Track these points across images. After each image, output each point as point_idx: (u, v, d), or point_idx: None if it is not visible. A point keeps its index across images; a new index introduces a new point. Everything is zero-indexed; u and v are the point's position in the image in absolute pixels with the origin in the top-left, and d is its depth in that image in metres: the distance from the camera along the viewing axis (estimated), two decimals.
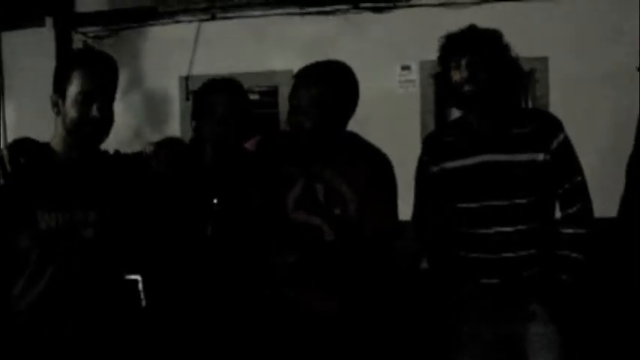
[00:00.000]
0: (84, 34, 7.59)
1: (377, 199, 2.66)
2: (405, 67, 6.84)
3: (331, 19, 7.03)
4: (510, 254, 2.67)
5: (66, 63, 2.45)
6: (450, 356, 2.79)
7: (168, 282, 2.61)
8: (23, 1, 7.34)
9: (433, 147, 2.87)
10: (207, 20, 7.38)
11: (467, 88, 2.63)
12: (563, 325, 2.68)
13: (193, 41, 7.28)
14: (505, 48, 2.71)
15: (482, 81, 2.62)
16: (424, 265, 3.01)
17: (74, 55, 2.60)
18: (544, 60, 6.21)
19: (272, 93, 6.96)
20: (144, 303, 2.72)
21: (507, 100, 2.73)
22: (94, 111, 2.35)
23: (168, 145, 2.66)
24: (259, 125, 2.85)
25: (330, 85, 2.65)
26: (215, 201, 2.59)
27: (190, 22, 7.42)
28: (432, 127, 6.87)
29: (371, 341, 2.68)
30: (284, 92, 5.76)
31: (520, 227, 2.66)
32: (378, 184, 2.69)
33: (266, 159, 2.76)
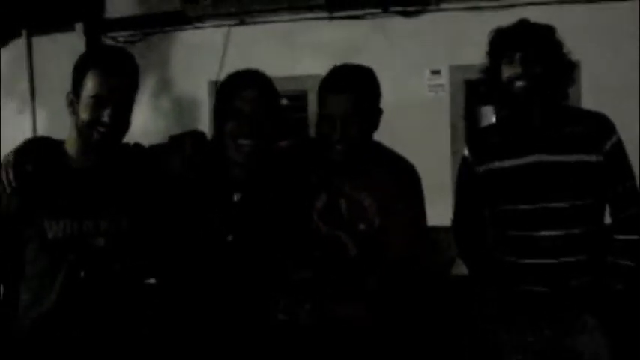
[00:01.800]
0: (114, 38, 7.64)
1: (402, 213, 2.54)
2: (435, 72, 6.79)
3: (360, 24, 7.01)
4: (559, 260, 2.55)
5: (82, 62, 2.34)
6: None
7: (182, 288, 2.50)
8: (54, 6, 7.40)
9: (479, 146, 2.75)
10: (236, 25, 7.40)
11: (519, 83, 2.52)
12: (615, 336, 2.56)
13: (222, 46, 7.29)
14: (558, 44, 2.61)
15: (536, 77, 2.51)
16: (457, 270, 2.96)
17: (90, 54, 2.45)
18: (576, 65, 6.13)
19: (301, 97, 6.96)
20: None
21: (559, 98, 2.62)
22: (105, 116, 2.25)
23: (193, 136, 2.57)
24: (289, 130, 2.79)
25: (362, 93, 2.55)
26: (236, 198, 2.47)
27: (219, 26, 7.44)
28: (461, 131, 6.84)
29: (403, 352, 2.61)
30: (313, 97, 5.74)
31: (570, 231, 2.54)
32: (402, 197, 2.56)
33: (294, 165, 2.68)
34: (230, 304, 2.45)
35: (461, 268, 3.46)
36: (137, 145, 2.52)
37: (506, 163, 2.62)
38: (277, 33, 7.18)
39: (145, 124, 6.69)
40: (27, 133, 7.23)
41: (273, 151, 2.57)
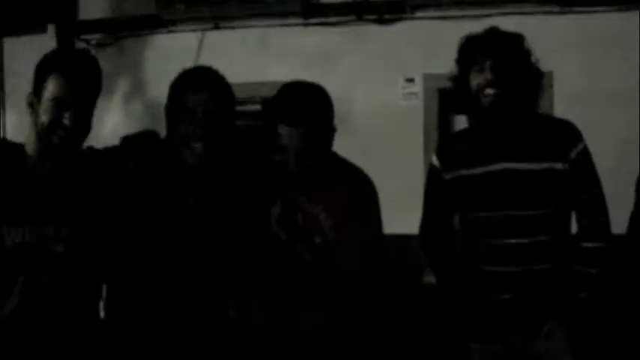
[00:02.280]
0: (86, 41, 7.57)
1: (356, 228, 2.49)
2: (409, 80, 6.81)
3: (334, 31, 7.01)
4: (525, 267, 2.56)
5: (44, 64, 2.28)
6: None
7: (136, 292, 2.44)
8: (25, 7, 7.33)
9: (447, 153, 2.75)
10: (210, 30, 7.37)
11: (489, 91, 2.53)
12: (579, 344, 2.59)
13: (196, 50, 7.26)
14: (527, 52, 2.63)
15: (505, 85, 2.52)
16: (428, 278, 2.96)
17: (53, 56, 2.35)
18: (548, 75, 6.16)
19: None
20: (102, 315, 2.54)
21: (527, 105, 2.64)
22: (66, 119, 2.20)
23: (146, 136, 2.52)
24: (261, 136, 2.75)
25: (316, 125, 2.45)
26: (190, 201, 2.42)
27: (194, 31, 7.40)
28: (434, 139, 6.84)
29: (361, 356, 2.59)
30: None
31: (536, 239, 2.56)
32: (356, 209, 2.51)
33: (250, 171, 2.63)
34: (186, 308, 2.42)
35: (432, 277, 3.48)
36: (90, 149, 2.46)
37: (474, 171, 2.63)
38: (252, 38, 7.16)
39: (117, 128, 6.62)
40: None
41: (227, 154, 2.52)
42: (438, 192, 2.75)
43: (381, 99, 6.65)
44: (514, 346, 2.60)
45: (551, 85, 6.18)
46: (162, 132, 2.53)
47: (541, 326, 2.58)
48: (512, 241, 2.57)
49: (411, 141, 6.63)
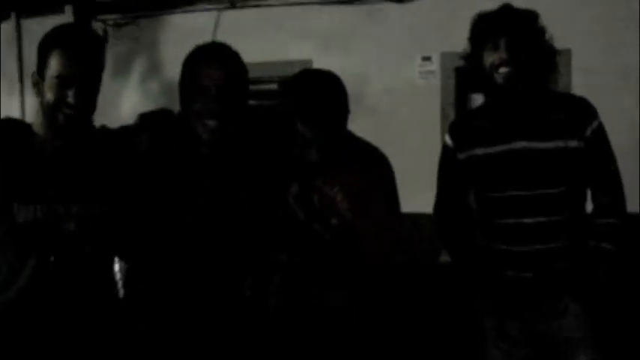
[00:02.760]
0: (103, 21, 7.58)
1: (374, 209, 2.54)
2: (426, 58, 6.76)
3: (351, 9, 6.96)
4: (541, 246, 2.56)
5: (46, 41, 2.28)
6: (476, 353, 2.70)
7: (151, 272, 2.46)
8: None
9: (460, 133, 2.74)
10: (226, 9, 7.34)
11: (504, 70, 2.51)
12: (596, 320, 2.58)
13: (212, 30, 7.24)
14: (541, 29, 2.60)
15: (520, 63, 2.50)
16: (444, 257, 2.96)
17: (55, 33, 2.34)
18: (567, 52, 6.13)
19: None
20: (121, 293, 2.57)
21: (541, 84, 2.61)
22: (70, 96, 2.20)
23: (162, 113, 2.52)
24: (277, 115, 2.75)
25: (334, 119, 2.55)
26: (207, 182, 2.42)
27: (210, 10, 7.38)
28: (451, 118, 6.78)
29: (380, 336, 2.60)
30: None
31: (551, 218, 2.55)
32: (373, 190, 2.57)
33: (267, 152, 2.63)
34: (203, 287, 2.42)
35: (447, 257, 3.46)
36: (104, 127, 2.47)
37: (487, 150, 2.61)
38: (268, 18, 7.13)
39: (134, 108, 6.64)
40: (15, 114, 7.17)
41: (242, 132, 2.51)
42: (451, 171, 2.74)
43: (398, 78, 6.61)
44: (530, 324, 2.60)
45: (569, 63, 6.12)
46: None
47: (557, 304, 2.57)
48: (528, 220, 2.56)
49: (428, 119, 6.60)
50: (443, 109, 6.74)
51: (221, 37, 7.18)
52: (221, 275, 2.43)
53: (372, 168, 2.59)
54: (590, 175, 2.60)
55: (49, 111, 2.23)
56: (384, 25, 6.82)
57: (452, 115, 6.78)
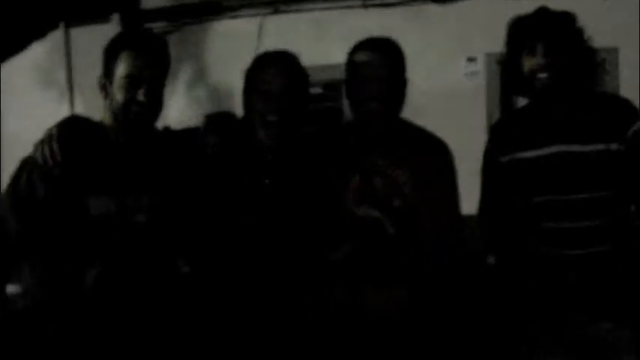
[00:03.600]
0: (150, 29, 7.68)
1: (437, 190, 2.55)
2: (471, 59, 6.73)
3: (394, 12, 6.96)
4: (584, 250, 2.52)
5: (114, 44, 2.37)
6: (519, 356, 2.67)
7: (214, 269, 2.50)
8: None
9: (502, 136, 2.71)
10: (270, 14, 7.39)
11: (542, 75, 2.47)
12: (638, 324, 2.52)
13: (257, 35, 7.30)
14: (579, 32, 2.55)
15: (558, 68, 2.46)
16: (490, 260, 2.93)
17: (122, 36, 2.48)
18: (614, 52, 6.04)
19: (335, 86, 6.94)
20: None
21: (581, 86, 2.56)
22: (140, 95, 2.27)
23: (221, 119, 2.57)
24: (323, 119, 2.78)
25: (396, 59, 2.65)
26: (267, 181, 2.47)
27: (253, 16, 7.43)
28: (497, 118, 6.78)
29: (438, 341, 2.58)
30: None
31: (593, 222, 2.51)
32: (437, 174, 2.57)
33: (323, 149, 2.65)
34: (262, 288, 2.45)
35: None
36: (167, 129, 2.53)
37: (529, 154, 2.57)
38: (311, 22, 7.16)
39: (181, 114, 6.72)
40: None
41: (302, 135, 2.56)
42: (493, 175, 2.71)
43: (443, 79, 6.59)
44: (572, 328, 2.56)
45: (616, 62, 6.02)
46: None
47: (600, 308, 2.53)
48: (568, 224, 2.51)
49: (474, 121, 6.55)
50: (488, 110, 6.70)
51: (265, 43, 7.27)
52: (277, 279, 2.46)
53: (435, 152, 2.60)
54: (633, 178, 2.53)
55: (119, 111, 2.31)
56: (427, 26, 6.80)
57: (497, 116, 6.74)
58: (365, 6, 7.06)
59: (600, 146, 2.50)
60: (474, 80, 6.74)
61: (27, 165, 2.28)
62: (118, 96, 2.28)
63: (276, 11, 7.37)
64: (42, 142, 2.28)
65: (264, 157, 2.48)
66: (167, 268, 2.44)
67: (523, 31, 2.54)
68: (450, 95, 6.55)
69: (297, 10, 7.31)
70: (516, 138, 2.64)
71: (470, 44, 6.65)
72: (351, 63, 2.63)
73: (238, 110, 7.70)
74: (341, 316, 2.52)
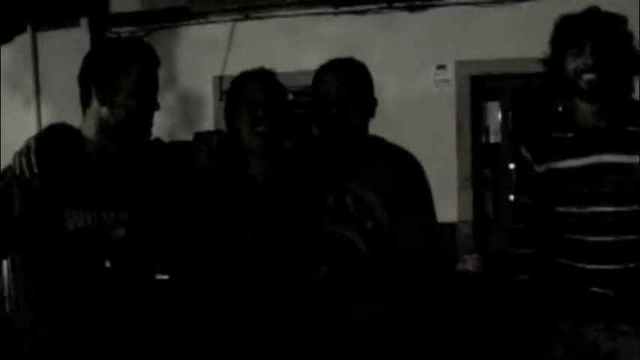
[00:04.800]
0: (118, 34, 7.63)
1: (408, 206, 2.51)
2: (441, 67, 6.76)
3: (365, 19, 6.99)
4: (619, 266, 2.40)
5: (120, 55, 2.34)
6: None
7: (197, 284, 2.50)
8: (58, 1, 7.40)
9: (538, 143, 2.57)
10: (240, 20, 7.38)
11: (589, 77, 2.36)
12: None
13: (227, 41, 7.28)
14: (630, 34, 2.42)
15: (607, 69, 2.35)
16: (462, 266, 2.92)
17: (127, 45, 2.48)
18: None
19: (306, 93, 6.92)
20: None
21: (626, 93, 2.46)
22: (150, 103, 2.32)
23: (219, 133, 2.59)
24: (295, 125, 2.78)
25: (360, 79, 2.59)
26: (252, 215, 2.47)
27: (224, 22, 7.42)
28: (467, 126, 6.85)
29: (418, 350, 2.57)
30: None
31: (628, 236, 2.39)
32: (407, 189, 2.51)
33: (303, 165, 2.66)
34: (245, 302, 2.45)
35: (466, 265, 3.42)
36: (158, 140, 2.53)
37: (569, 163, 2.45)
38: (282, 28, 7.16)
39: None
40: (32, 128, 7.23)
41: (283, 151, 2.59)
42: (529, 184, 2.59)
43: (413, 86, 6.62)
44: (599, 342, 2.47)
45: None
46: (198, 125, 2.57)
47: (629, 323, 2.41)
48: (606, 238, 2.40)
49: (444, 128, 6.60)
50: (458, 118, 6.74)
51: (236, 49, 7.25)
52: (268, 295, 2.47)
53: (407, 169, 2.58)
54: None
55: (128, 119, 2.29)
56: (397, 34, 6.83)
57: (467, 122, 6.78)
58: (336, 13, 7.08)
59: (638, 158, 2.38)
60: (444, 88, 6.78)
61: (6, 176, 2.26)
62: (131, 103, 2.27)
63: (247, 17, 7.37)
64: (20, 154, 2.26)
65: (253, 165, 2.51)
66: (146, 282, 2.42)
67: (571, 30, 2.43)
68: (421, 102, 6.58)
69: (269, 17, 7.31)
70: (554, 146, 2.52)
71: (440, 52, 6.68)
72: (316, 87, 2.61)
73: (208, 115, 7.67)
74: (324, 329, 2.52)
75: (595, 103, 2.41)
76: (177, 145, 2.58)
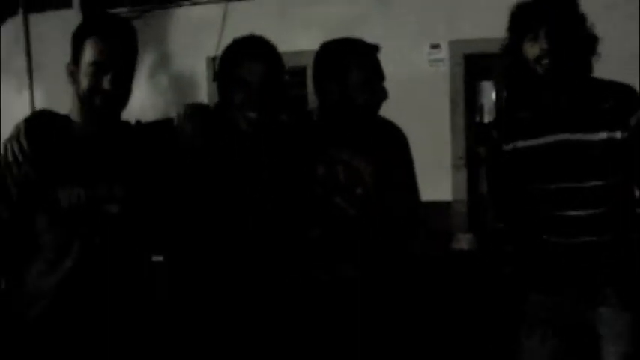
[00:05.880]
0: (116, 15, 7.60)
1: (396, 174, 2.62)
2: (435, 46, 6.75)
3: None
4: (586, 239, 2.48)
5: (80, 30, 2.31)
6: (515, 340, 2.67)
7: (195, 262, 2.50)
8: None
9: (506, 124, 2.68)
10: (234, 0, 7.35)
11: (545, 61, 2.43)
12: (635, 314, 2.49)
13: (220, 22, 7.25)
14: (582, 17, 2.50)
15: (562, 54, 2.41)
16: (458, 245, 2.95)
17: (89, 21, 2.41)
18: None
19: (300, 73, 6.92)
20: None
21: (583, 74, 2.53)
22: (106, 83, 2.23)
23: (198, 111, 2.56)
24: (289, 105, 2.79)
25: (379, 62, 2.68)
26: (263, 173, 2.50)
27: (217, 2, 7.38)
28: (461, 106, 6.84)
29: (394, 308, 2.64)
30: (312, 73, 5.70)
31: (595, 211, 2.47)
32: (397, 158, 2.66)
33: (295, 138, 2.68)
34: (246, 268, 2.47)
35: (460, 244, 3.44)
36: (139, 122, 2.51)
37: (532, 142, 2.54)
38: (276, 8, 7.13)
39: (143, 101, 6.66)
40: (26, 110, 7.20)
41: (277, 124, 2.58)
42: (498, 163, 2.69)
43: (407, 66, 6.60)
44: (570, 312, 2.55)
45: None
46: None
47: (598, 292, 2.50)
48: (571, 213, 2.48)
49: (438, 107, 6.60)
50: (452, 97, 6.74)
51: (229, 29, 7.22)
52: (259, 264, 2.49)
53: (393, 138, 2.67)
54: (636, 167, 2.48)
55: (85, 98, 2.27)
56: (391, 13, 6.81)
57: (461, 102, 6.78)
58: None
59: (603, 135, 2.46)
60: (438, 67, 6.77)
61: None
62: (84, 83, 2.23)
63: None
64: (10, 139, 2.27)
65: (244, 144, 2.49)
66: (140, 259, 2.43)
67: (526, 17, 2.50)
68: (414, 82, 6.57)
69: None
70: (519, 126, 2.61)
71: (434, 31, 6.68)
72: (331, 66, 2.64)
73: (201, 96, 7.65)
74: (320, 291, 2.58)
75: (553, 85, 2.48)
76: (163, 121, 2.55)
